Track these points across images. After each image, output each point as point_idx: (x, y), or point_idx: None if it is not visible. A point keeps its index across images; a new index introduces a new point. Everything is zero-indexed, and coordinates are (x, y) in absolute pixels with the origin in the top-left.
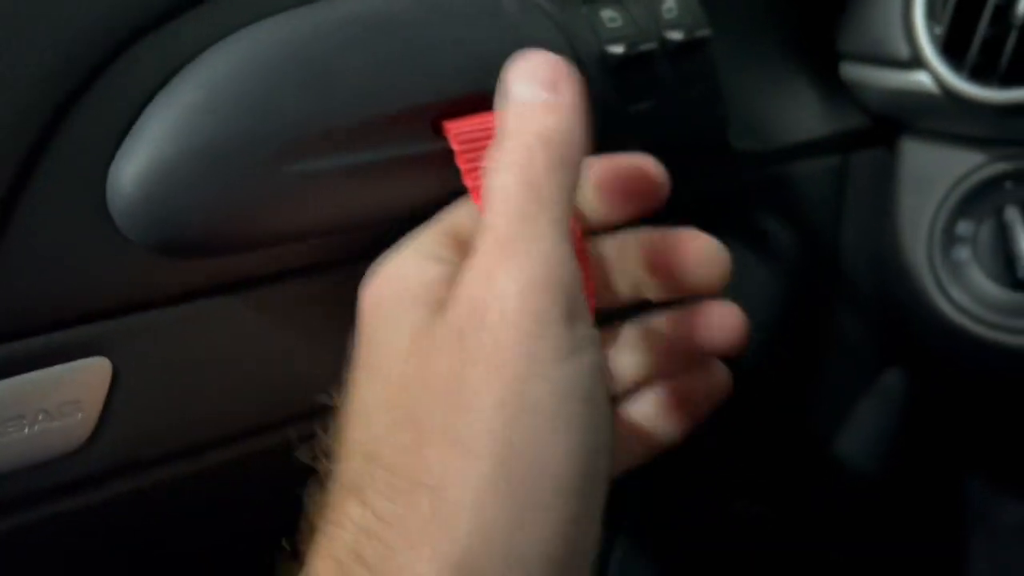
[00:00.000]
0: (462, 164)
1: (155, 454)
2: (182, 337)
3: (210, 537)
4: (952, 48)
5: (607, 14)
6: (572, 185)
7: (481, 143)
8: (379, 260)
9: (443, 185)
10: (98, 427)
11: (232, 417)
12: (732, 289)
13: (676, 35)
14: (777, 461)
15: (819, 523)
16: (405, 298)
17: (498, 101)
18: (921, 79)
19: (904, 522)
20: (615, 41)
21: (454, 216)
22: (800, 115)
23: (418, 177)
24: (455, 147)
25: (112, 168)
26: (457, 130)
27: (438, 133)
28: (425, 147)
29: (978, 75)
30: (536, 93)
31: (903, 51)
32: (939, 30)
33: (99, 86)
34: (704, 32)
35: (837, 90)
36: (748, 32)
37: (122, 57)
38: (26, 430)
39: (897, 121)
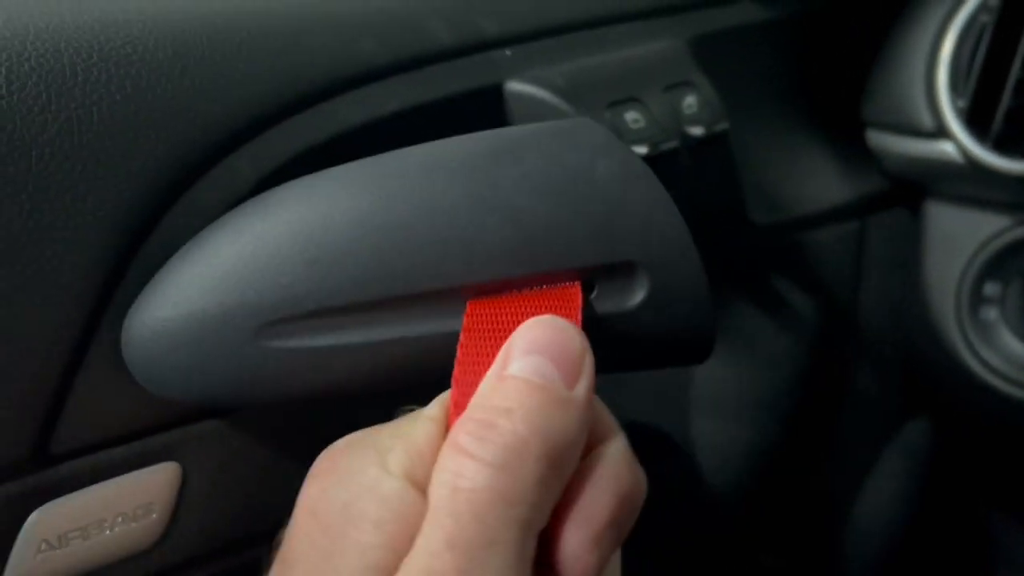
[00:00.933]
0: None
1: (220, 545)
2: (241, 440)
3: None
4: (976, 119)
5: (631, 116)
6: (558, 494)
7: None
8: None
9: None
10: (170, 525)
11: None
12: (756, 355)
13: (697, 131)
14: (800, 515)
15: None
16: (352, 514)
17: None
18: (946, 149)
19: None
20: (639, 143)
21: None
22: (821, 183)
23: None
24: (465, 324)
25: (126, 321)
26: (478, 311)
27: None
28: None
29: (1002, 146)
30: (550, 374)
31: (927, 122)
32: (963, 103)
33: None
34: (723, 125)
35: (855, 156)
36: (772, 106)
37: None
38: (107, 532)
39: (920, 186)
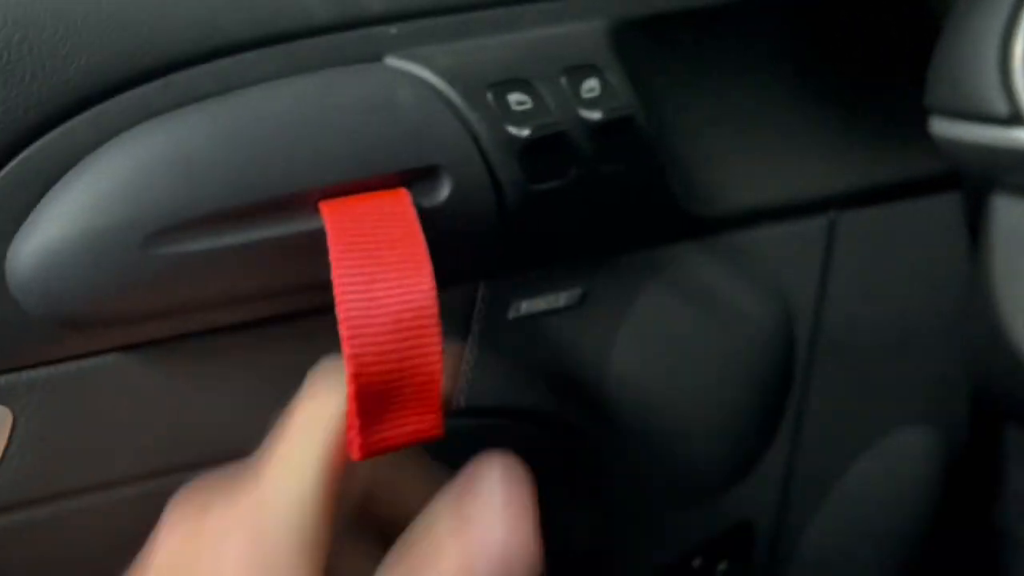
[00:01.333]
0: (333, 245)
1: (50, 493)
2: (73, 390)
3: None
4: None
5: (515, 97)
6: None
7: (356, 225)
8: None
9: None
10: None
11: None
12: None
13: (593, 115)
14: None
15: None
16: None
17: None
18: (1021, 136)
19: None
20: (521, 124)
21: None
22: (785, 176)
23: (299, 257)
24: (328, 227)
25: (11, 248)
26: (332, 209)
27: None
28: (303, 227)
29: None
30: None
31: (1001, 107)
32: None
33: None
34: (626, 112)
35: (833, 148)
36: (739, 94)
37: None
38: None
39: (987, 178)
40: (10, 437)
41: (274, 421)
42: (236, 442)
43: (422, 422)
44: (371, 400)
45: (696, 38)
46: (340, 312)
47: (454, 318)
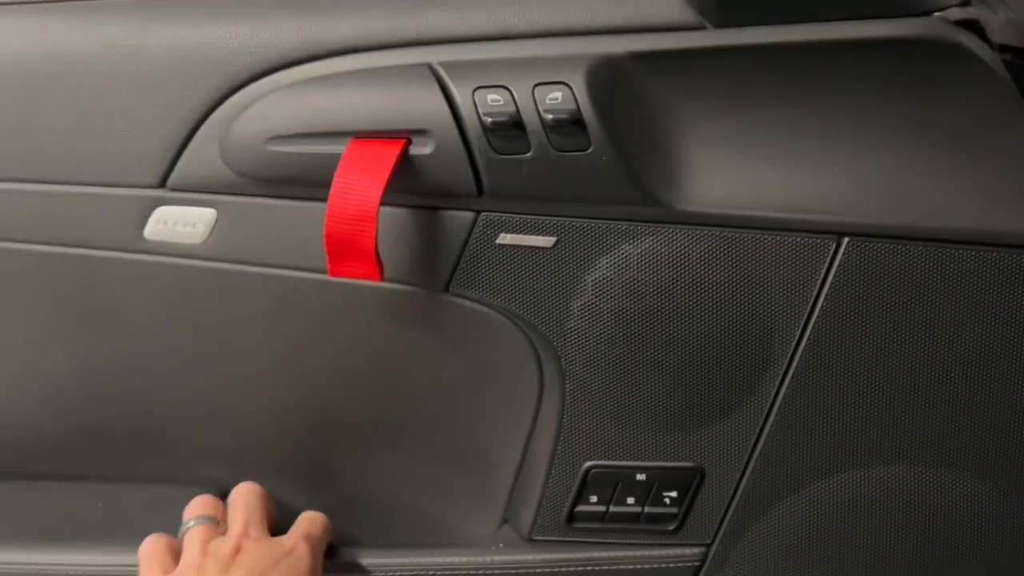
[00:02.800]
0: (342, 161)
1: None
2: (242, 208)
3: None
4: None
5: (492, 96)
6: None
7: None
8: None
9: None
10: None
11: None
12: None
13: (549, 115)
14: None
15: None
16: None
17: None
18: None
19: None
20: (489, 114)
21: None
22: (794, 190)
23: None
24: (345, 152)
25: (224, 139)
26: (355, 144)
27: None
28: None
29: None
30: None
31: None
32: None
33: None
34: (577, 115)
35: (851, 172)
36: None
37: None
38: None
39: None
40: (213, 226)
41: None
42: None
43: (366, 268)
44: (333, 248)
45: (720, 73)
46: (330, 197)
47: (457, 235)
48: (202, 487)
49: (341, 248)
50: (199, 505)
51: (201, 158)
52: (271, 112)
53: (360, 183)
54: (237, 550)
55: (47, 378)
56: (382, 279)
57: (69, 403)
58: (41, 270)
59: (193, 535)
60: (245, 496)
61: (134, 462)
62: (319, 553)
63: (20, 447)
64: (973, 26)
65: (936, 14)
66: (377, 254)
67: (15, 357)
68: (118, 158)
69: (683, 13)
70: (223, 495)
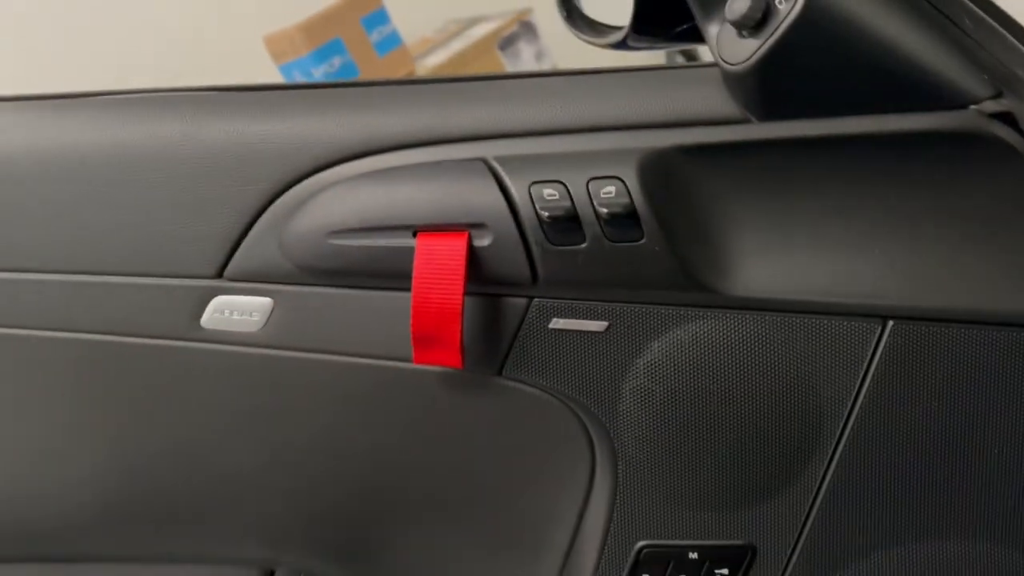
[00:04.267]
0: (416, 257)
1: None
2: (300, 299)
3: None
4: None
5: (547, 191)
6: None
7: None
8: None
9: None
10: None
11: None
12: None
13: (603, 208)
14: None
15: None
16: None
17: None
18: None
19: None
20: (545, 208)
21: None
22: (841, 275)
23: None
24: (417, 247)
25: (282, 233)
26: (422, 237)
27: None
28: (405, 244)
29: None
30: None
31: None
32: None
33: None
34: (630, 208)
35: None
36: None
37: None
38: None
39: None
40: (270, 315)
41: None
42: None
43: (450, 357)
44: (420, 342)
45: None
46: (413, 292)
47: (511, 320)
48: (247, 567)
49: (428, 339)
50: None
51: (258, 250)
52: (330, 206)
53: (440, 278)
54: None
55: (95, 462)
56: (463, 367)
57: (116, 487)
58: (96, 358)
59: None
60: None
61: (179, 543)
62: None
63: (65, 531)
64: (1006, 118)
65: (971, 107)
66: (461, 342)
67: (65, 443)
68: (176, 250)
69: (728, 108)
70: (267, 574)
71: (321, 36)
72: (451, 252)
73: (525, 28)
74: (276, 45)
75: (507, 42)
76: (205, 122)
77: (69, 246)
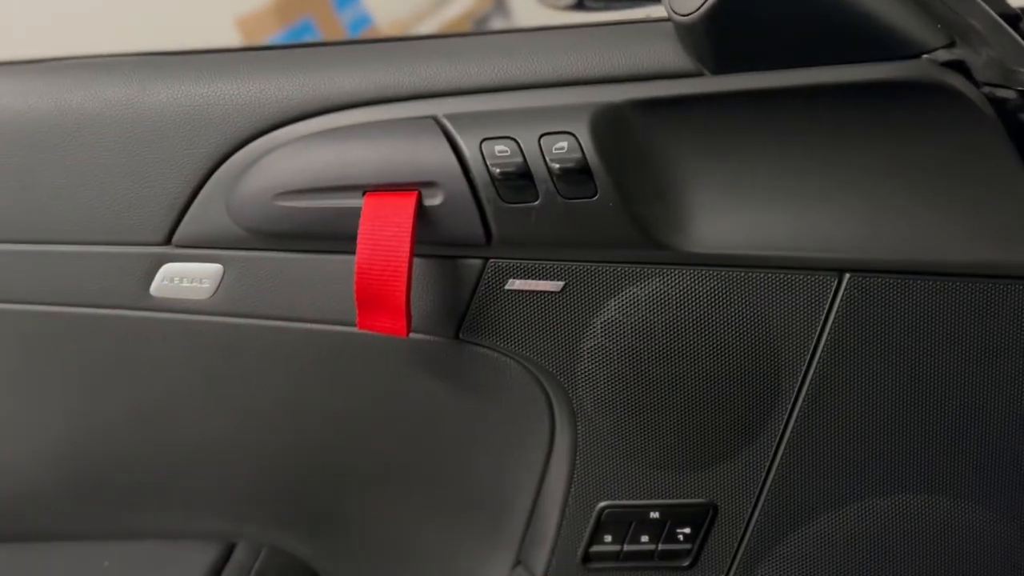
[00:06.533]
0: (363, 217)
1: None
2: (248, 262)
3: None
4: None
5: (499, 147)
6: None
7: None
8: None
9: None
10: None
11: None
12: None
13: (555, 164)
14: None
15: None
16: None
17: None
18: None
19: None
20: (496, 164)
21: None
22: (798, 230)
23: (349, 219)
24: (363, 207)
25: (229, 196)
26: (370, 198)
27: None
28: (354, 204)
29: None
30: None
31: None
32: None
33: None
34: (582, 163)
35: (848, 210)
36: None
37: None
38: None
39: None
40: (220, 282)
41: None
42: None
43: (394, 325)
44: (364, 303)
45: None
46: (358, 252)
47: (467, 282)
48: (208, 541)
49: (372, 303)
50: None
51: (206, 214)
52: (278, 167)
53: (386, 239)
54: None
55: (50, 437)
56: (408, 335)
57: (73, 462)
58: (46, 330)
59: None
60: None
61: (140, 518)
62: None
63: (23, 508)
64: (959, 67)
65: (924, 56)
66: (408, 308)
67: (19, 418)
68: (122, 217)
69: (682, 61)
70: (228, 548)
71: (291, 16)
72: (398, 210)
73: (498, 7)
74: (247, 26)
75: (480, 22)
76: (150, 85)
77: (13, 214)
